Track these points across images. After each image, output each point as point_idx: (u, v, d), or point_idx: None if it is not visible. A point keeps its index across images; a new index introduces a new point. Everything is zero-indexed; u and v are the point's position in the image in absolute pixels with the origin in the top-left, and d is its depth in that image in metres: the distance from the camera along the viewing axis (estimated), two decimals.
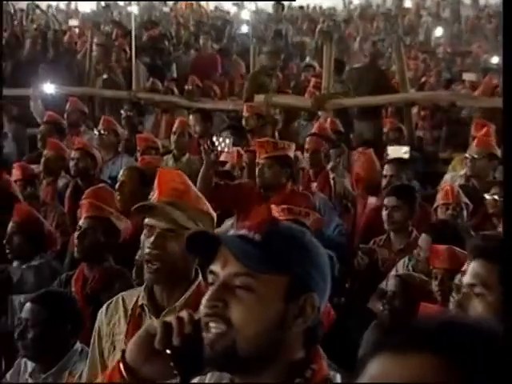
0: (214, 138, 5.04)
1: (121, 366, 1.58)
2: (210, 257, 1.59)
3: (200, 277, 2.67)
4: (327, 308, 3.24)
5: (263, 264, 1.53)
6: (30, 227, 4.67)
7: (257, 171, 5.09)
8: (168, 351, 1.53)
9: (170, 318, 1.57)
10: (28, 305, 3.46)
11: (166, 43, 12.24)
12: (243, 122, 7.39)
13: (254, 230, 1.57)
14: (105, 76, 9.30)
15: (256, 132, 7.19)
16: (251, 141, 7.03)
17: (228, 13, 16.58)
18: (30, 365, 3.45)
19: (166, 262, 2.58)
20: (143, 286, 2.67)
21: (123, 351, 1.61)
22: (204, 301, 1.56)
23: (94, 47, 9.98)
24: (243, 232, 1.57)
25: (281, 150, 5.11)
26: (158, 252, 2.58)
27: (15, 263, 4.72)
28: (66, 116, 7.66)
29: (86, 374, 2.78)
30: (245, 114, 7.40)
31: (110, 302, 2.73)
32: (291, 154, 5.16)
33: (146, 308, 2.64)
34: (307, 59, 11.55)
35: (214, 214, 2.72)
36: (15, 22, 13.42)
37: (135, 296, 2.69)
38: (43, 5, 16.10)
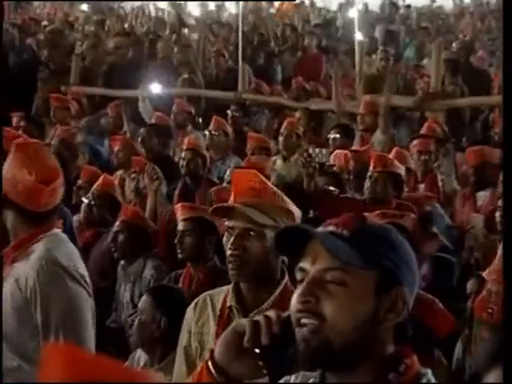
0: (311, 150, 5.09)
1: (210, 364, 1.59)
2: (297, 254, 1.58)
3: (286, 277, 2.66)
4: (444, 311, 3.15)
5: (354, 258, 1.52)
6: (135, 226, 4.75)
7: (369, 183, 5.08)
8: (257, 350, 1.53)
9: (259, 317, 1.57)
10: (144, 295, 3.61)
11: (272, 44, 12.27)
12: (358, 120, 7.32)
13: (342, 226, 1.57)
14: (185, 76, 9.37)
15: (370, 131, 7.10)
16: (366, 138, 6.95)
17: (335, 12, 16.49)
18: (143, 358, 3.53)
19: (247, 262, 2.59)
20: (231, 286, 2.68)
21: (212, 350, 1.61)
22: (295, 297, 1.55)
23: (177, 49, 10.04)
24: (331, 228, 1.57)
25: (396, 168, 5.12)
26: (239, 252, 2.59)
27: (121, 263, 4.81)
28: (172, 117, 7.77)
29: (175, 370, 2.80)
30: (361, 111, 7.33)
31: (198, 301, 2.76)
32: (403, 173, 5.17)
33: (234, 309, 2.65)
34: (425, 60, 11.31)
35: (298, 212, 2.68)
36: (125, 25, 13.71)
37: (222, 296, 2.71)
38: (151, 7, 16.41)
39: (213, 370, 1.58)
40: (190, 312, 2.76)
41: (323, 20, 15.13)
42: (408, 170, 5.48)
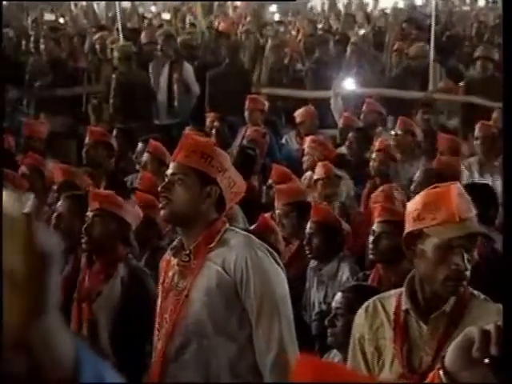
0: None
1: (440, 371, 1.52)
2: None
3: None
4: None
5: None
6: (328, 227, 4.69)
7: None
8: (486, 360, 1.44)
9: (490, 326, 1.46)
10: (340, 295, 3.56)
11: (466, 43, 11.93)
12: None
13: None
14: None
15: None
16: None
17: None
18: (337, 357, 3.55)
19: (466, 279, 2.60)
20: (404, 290, 2.65)
21: (443, 356, 1.55)
22: None
23: (349, 47, 9.91)
24: None
25: None
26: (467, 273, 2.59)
27: (311, 265, 4.78)
28: (362, 117, 7.69)
29: None
30: None
31: (368, 306, 2.75)
32: None
33: (411, 312, 2.61)
34: None
35: None
36: (319, 25, 13.72)
37: (393, 299, 2.68)
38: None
39: (443, 377, 1.52)
40: (360, 317, 2.75)
41: None
42: None
